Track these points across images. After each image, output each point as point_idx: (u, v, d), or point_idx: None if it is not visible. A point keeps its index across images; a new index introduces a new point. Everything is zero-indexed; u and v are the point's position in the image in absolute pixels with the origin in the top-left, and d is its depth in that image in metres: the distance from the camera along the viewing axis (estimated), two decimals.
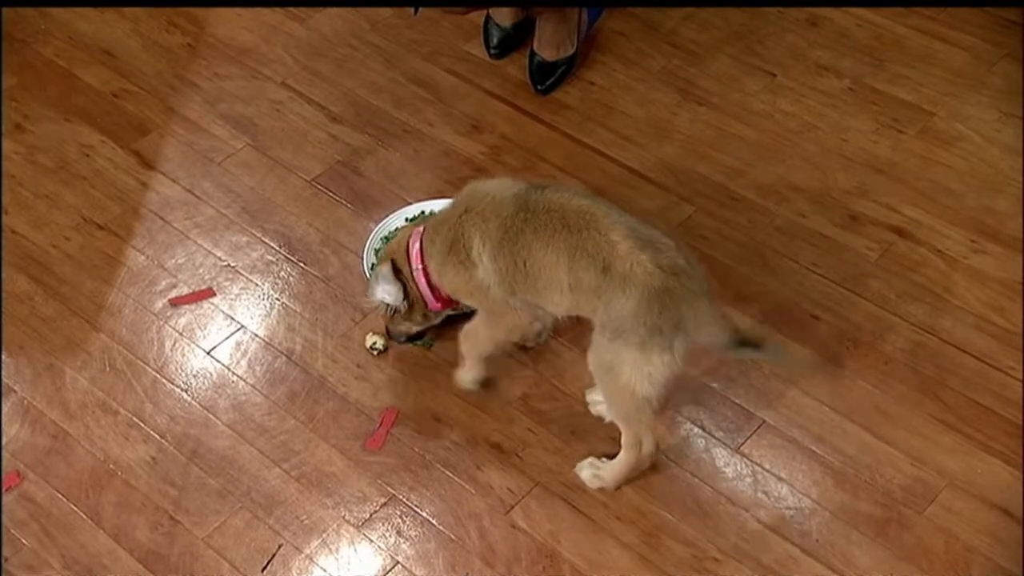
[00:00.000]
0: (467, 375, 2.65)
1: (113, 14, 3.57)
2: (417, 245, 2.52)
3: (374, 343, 2.75)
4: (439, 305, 2.59)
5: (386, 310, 2.60)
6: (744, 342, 2.32)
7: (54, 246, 2.99)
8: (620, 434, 2.47)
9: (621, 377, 2.33)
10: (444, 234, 2.45)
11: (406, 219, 2.92)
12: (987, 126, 3.21)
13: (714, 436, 2.62)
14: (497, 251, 2.38)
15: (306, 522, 2.51)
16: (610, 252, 2.28)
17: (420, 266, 2.52)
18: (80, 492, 2.55)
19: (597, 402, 2.63)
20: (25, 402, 2.70)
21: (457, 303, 2.61)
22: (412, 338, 2.72)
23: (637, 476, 2.53)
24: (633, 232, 2.29)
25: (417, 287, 2.55)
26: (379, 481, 2.56)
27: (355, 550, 2.47)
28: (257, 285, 2.92)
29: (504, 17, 3.39)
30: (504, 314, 2.48)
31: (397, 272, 2.54)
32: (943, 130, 3.21)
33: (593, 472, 2.53)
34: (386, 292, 2.55)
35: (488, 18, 3.43)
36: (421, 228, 2.55)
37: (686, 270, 2.28)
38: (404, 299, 2.56)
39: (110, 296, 2.89)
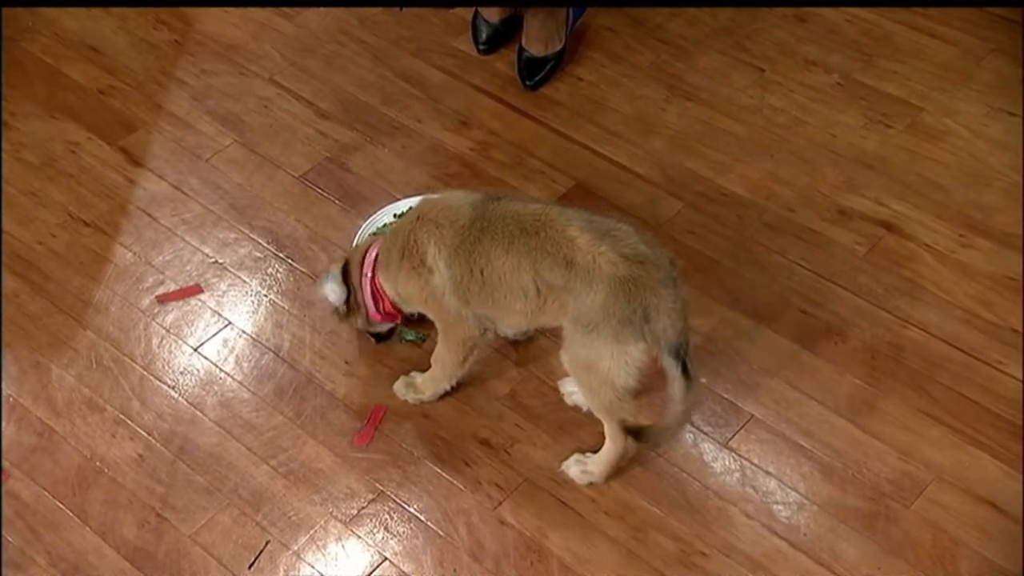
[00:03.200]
0: (428, 387, 2.63)
1: (100, 11, 3.56)
2: (374, 253, 2.55)
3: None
4: (379, 316, 2.60)
5: (335, 309, 2.63)
6: (681, 356, 2.26)
7: (40, 243, 2.98)
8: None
9: (600, 371, 2.33)
10: (398, 242, 2.47)
11: (394, 215, 2.91)
12: (975, 121, 3.22)
13: (702, 431, 2.61)
14: (453, 258, 2.39)
15: (294, 519, 2.50)
16: (570, 248, 2.28)
17: (369, 274, 2.55)
18: (66, 489, 2.55)
19: (572, 392, 2.63)
20: (11, 399, 2.69)
21: (399, 317, 2.61)
22: (376, 336, 2.73)
23: (624, 471, 2.53)
24: (590, 224, 2.30)
25: (361, 293, 2.57)
26: (367, 477, 2.56)
27: (343, 546, 2.47)
28: (245, 282, 2.91)
29: (492, 13, 3.39)
30: (456, 324, 2.48)
31: (346, 275, 2.58)
32: (931, 125, 3.21)
33: (581, 468, 2.52)
34: (331, 291, 2.60)
35: (476, 14, 3.42)
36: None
37: (650, 258, 2.28)
38: (346, 302, 2.60)
39: (97, 293, 2.88)
